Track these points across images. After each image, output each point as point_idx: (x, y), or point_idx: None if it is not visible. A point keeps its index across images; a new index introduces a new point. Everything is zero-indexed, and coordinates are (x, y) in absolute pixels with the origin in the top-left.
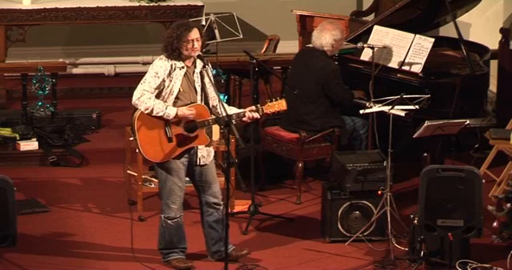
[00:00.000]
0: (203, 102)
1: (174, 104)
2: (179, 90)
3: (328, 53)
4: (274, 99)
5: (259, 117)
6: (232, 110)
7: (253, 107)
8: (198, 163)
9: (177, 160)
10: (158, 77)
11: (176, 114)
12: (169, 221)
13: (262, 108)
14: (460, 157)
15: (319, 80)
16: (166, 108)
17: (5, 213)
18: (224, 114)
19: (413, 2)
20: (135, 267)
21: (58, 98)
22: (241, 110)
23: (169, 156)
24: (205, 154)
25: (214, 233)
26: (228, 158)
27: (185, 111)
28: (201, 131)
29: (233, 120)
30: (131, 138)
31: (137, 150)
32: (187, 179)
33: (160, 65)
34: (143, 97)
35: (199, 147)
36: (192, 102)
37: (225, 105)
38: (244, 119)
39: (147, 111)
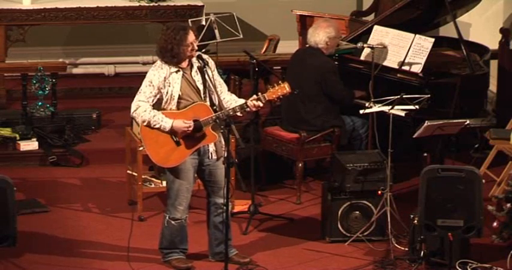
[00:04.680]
0: (208, 99)
1: (178, 106)
2: (179, 94)
3: (324, 51)
4: (276, 85)
5: (262, 105)
6: (238, 102)
7: (255, 96)
8: (211, 157)
9: (186, 161)
10: (153, 86)
11: (172, 126)
12: (173, 222)
13: (264, 96)
14: (460, 157)
15: (317, 79)
16: (162, 121)
17: (5, 213)
18: (224, 114)
19: (413, 2)
20: (134, 267)
21: (58, 98)
22: (243, 101)
23: (181, 160)
24: (216, 148)
25: (219, 234)
26: (228, 158)
27: (181, 124)
28: (208, 129)
29: (238, 113)
30: (140, 148)
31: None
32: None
33: (153, 74)
34: (139, 110)
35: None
36: (194, 102)
37: (233, 96)
38: (247, 109)
39: (144, 124)
